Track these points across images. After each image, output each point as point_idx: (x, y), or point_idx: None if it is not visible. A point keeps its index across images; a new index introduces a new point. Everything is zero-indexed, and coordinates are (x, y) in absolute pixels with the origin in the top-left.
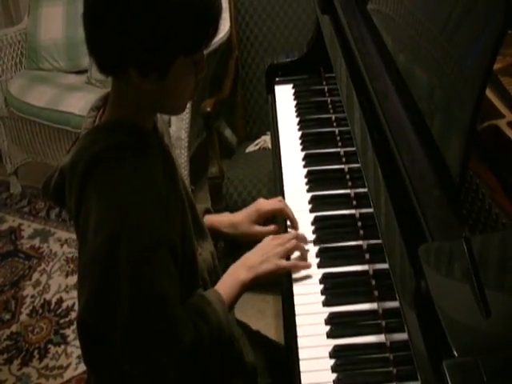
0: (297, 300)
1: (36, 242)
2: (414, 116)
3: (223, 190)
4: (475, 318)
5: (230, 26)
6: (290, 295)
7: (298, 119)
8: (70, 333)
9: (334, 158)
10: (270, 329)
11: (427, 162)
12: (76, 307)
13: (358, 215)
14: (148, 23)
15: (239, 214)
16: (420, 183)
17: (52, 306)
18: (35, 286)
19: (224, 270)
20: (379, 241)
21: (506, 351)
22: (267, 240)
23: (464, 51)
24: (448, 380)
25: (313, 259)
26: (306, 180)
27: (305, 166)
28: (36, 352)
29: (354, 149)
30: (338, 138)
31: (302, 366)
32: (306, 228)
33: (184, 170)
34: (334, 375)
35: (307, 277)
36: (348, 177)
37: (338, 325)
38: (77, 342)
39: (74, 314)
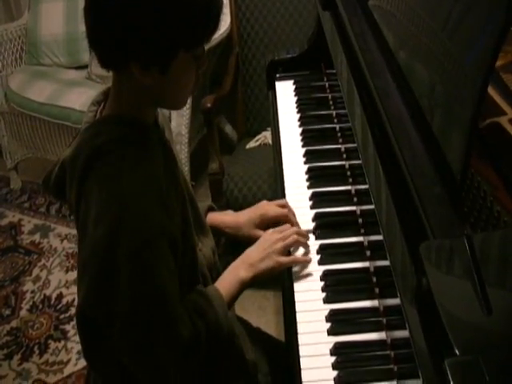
0: (297, 297)
1: (36, 237)
2: (415, 113)
3: (223, 186)
4: (477, 315)
5: (231, 22)
6: (291, 292)
7: (298, 115)
8: (70, 328)
9: (335, 154)
10: (271, 325)
11: (428, 159)
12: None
13: (358, 212)
14: (149, 17)
15: (242, 216)
16: (421, 180)
17: (52, 302)
18: (35, 281)
19: (225, 267)
20: (380, 238)
21: (507, 349)
22: (267, 234)
23: (465, 48)
24: (450, 379)
25: (313, 256)
26: (306, 176)
27: (305, 163)
28: (36, 347)
29: (354, 145)
30: (339, 135)
31: (303, 363)
32: (307, 225)
33: (184, 166)
34: (335, 372)
35: (308, 274)
36: (349, 173)
37: (338, 322)
38: (77, 338)
39: (74, 310)
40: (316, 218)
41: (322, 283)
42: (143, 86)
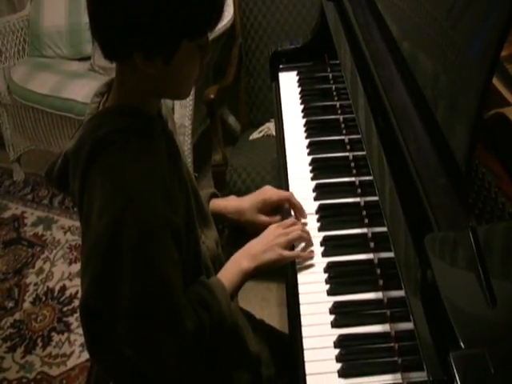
0: (301, 289)
1: (39, 229)
2: (419, 104)
3: (227, 178)
4: (481, 307)
5: (234, 13)
6: (295, 284)
7: (302, 106)
8: (74, 321)
9: (339, 145)
10: (274, 317)
11: (433, 150)
12: (79, 295)
13: (362, 203)
14: (152, 7)
15: (245, 201)
16: (426, 171)
17: (55, 294)
18: (38, 273)
19: (228, 258)
20: (384, 229)
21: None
22: (271, 228)
23: (469, 38)
24: (455, 372)
25: (317, 248)
26: (310, 168)
27: (309, 154)
28: (39, 340)
29: (358, 136)
30: (343, 126)
31: (307, 355)
32: (311, 216)
33: (187, 158)
34: (339, 365)
35: (311, 266)
36: (353, 165)
37: (342, 314)
38: (80, 330)
39: (77, 302)
40: (320, 209)
41: (326, 275)
42: (147, 76)
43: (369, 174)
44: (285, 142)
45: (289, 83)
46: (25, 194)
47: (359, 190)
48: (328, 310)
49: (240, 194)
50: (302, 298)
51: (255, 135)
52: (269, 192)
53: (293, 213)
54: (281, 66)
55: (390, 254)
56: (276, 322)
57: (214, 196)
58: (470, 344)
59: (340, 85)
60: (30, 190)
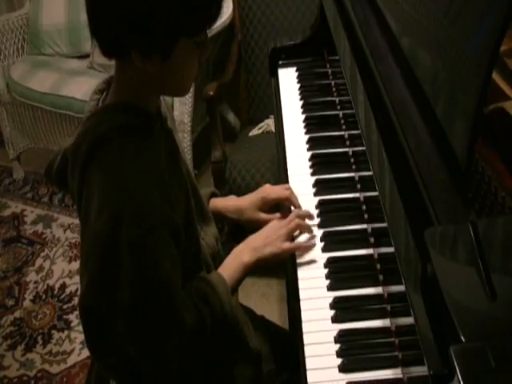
0: (301, 284)
1: (39, 227)
2: (419, 99)
3: (226, 174)
4: (482, 302)
5: (233, 9)
6: (295, 280)
7: (301, 102)
8: (74, 318)
9: (338, 141)
10: (274, 313)
11: (433, 145)
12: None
13: (362, 199)
14: (149, 4)
15: (245, 200)
16: (426, 166)
17: (55, 292)
18: (38, 271)
19: (228, 255)
20: (384, 224)
21: None
22: (273, 223)
23: (468, 34)
24: (455, 365)
25: (317, 243)
26: (309, 163)
27: (309, 150)
28: (40, 338)
29: (358, 132)
30: (342, 121)
31: (307, 350)
32: (310, 212)
33: (187, 154)
34: (339, 360)
35: (312, 261)
36: (352, 160)
37: (342, 309)
38: (80, 328)
39: (77, 300)
40: (319, 204)
41: (326, 270)
42: (145, 73)
43: (368, 170)
44: (284, 138)
45: (288, 79)
46: (24, 193)
47: (359, 186)
48: (328, 306)
49: (239, 190)
50: (302, 294)
51: (255, 132)
52: (268, 190)
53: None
54: (280, 63)
55: (390, 249)
56: (276, 317)
57: (213, 195)
58: (471, 338)
59: (339, 80)
60: (30, 189)
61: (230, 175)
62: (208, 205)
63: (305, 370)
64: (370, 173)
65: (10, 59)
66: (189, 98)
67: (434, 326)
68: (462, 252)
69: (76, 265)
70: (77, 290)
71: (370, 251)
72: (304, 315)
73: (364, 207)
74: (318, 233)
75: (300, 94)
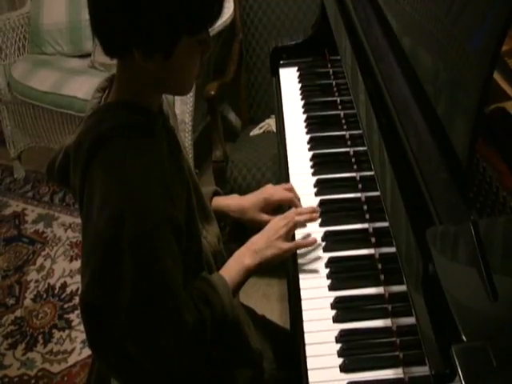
0: (302, 284)
1: (40, 226)
2: (420, 99)
3: (227, 174)
4: (483, 301)
5: (234, 9)
6: (296, 279)
7: (302, 102)
8: (75, 317)
9: (340, 141)
10: (275, 313)
11: (434, 145)
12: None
13: (363, 198)
14: (151, 3)
15: (247, 199)
16: (427, 166)
17: (56, 291)
18: (39, 270)
19: (229, 254)
20: (385, 224)
21: None
22: (272, 223)
23: (469, 34)
24: (457, 365)
25: (318, 243)
26: (311, 163)
27: (310, 149)
28: (40, 337)
29: (359, 132)
30: (344, 121)
31: (308, 350)
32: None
33: (188, 154)
34: (341, 360)
35: (313, 261)
36: (353, 160)
37: (344, 309)
38: (81, 327)
39: (78, 299)
40: (321, 204)
41: (327, 270)
42: (147, 72)
43: (370, 169)
44: (285, 137)
45: (289, 79)
46: (25, 192)
47: (360, 185)
48: (329, 305)
49: (241, 189)
50: (303, 294)
51: (256, 131)
52: (270, 190)
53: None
54: (281, 62)
55: (392, 249)
56: (277, 317)
57: (216, 194)
58: (472, 337)
59: (340, 80)
60: (31, 188)
61: (231, 175)
62: (210, 203)
63: (306, 369)
64: (371, 173)
65: (11, 58)
66: (190, 98)
67: (435, 325)
68: (464, 252)
69: (77, 264)
70: (77, 290)
71: (371, 251)
72: (305, 315)
73: (365, 207)
74: (320, 232)
75: (301, 94)
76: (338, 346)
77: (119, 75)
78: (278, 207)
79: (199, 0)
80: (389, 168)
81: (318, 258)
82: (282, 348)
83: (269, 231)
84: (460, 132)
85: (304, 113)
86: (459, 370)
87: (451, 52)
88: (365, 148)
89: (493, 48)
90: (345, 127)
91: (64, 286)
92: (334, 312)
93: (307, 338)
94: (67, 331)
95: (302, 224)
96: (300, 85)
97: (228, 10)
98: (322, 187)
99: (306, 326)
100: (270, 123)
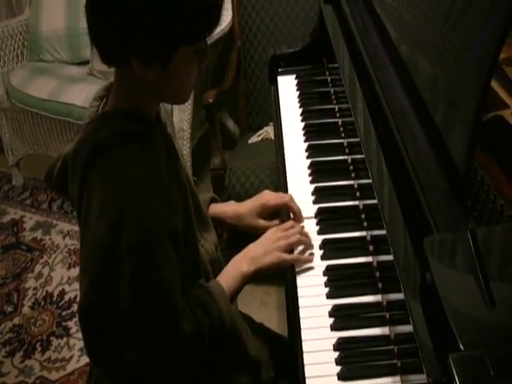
0: (300, 292)
1: (38, 234)
2: (418, 107)
3: (225, 182)
4: (480, 310)
5: (233, 17)
6: (294, 287)
7: (300, 110)
8: (73, 325)
9: (338, 148)
10: (273, 321)
11: (432, 153)
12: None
13: (361, 206)
14: (149, 12)
15: (244, 205)
16: (425, 174)
17: (54, 299)
18: (37, 278)
19: (227, 262)
20: (383, 232)
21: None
22: (271, 231)
23: (468, 41)
24: (454, 373)
25: (316, 251)
26: (309, 171)
27: (308, 157)
28: (38, 344)
29: (357, 139)
30: (342, 129)
31: (306, 358)
32: (310, 219)
33: (186, 161)
34: (338, 368)
35: (311, 268)
36: (351, 168)
37: (341, 317)
38: (79, 335)
39: (76, 307)
40: (319, 212)
41: (325, 278)
42: (145, 80)
43: (368, 177)
44: (284, 145)
45: (287, 87)
46: (24, 199)
47: (358, 193)
48: (327, 313)
49: (239, 197)
50: (301, 301)
51: (254, 139)
52: (267, 196)
53: (292, 216)
54: (279, 70)
55: (389, 257)
56: (275, 325)
57: (213, 200)
58: (470, 346)
59: (339, 88)
60: (29, 195)
61: (230, 182)
62: (207, 210)
63: (304, 377)
64: (369, 180)
65: (10, 65)
66: (188, 105)
67: (432, 333)
68: (461, 260)
69: (75, 271)
70: (76, 297)
71: (369, 259)
72: (303, 323)
73: (363, 215)
74: (318, 240)
75: (299, 102)
76: (336, 354)
77: (117, 83)
78: (275, 212)
79: (197, 10)
80: (386, 176)
81: (316, 266)
82: (280, 356)
83: (267, 240)
84: (458, 140)
85: (302, 121)
86: (456, 379)
87: (449, 60)
88: (363, 156)
89: (491, 56)
90: (343, 135)
91: (62, 293)
92: (331, 320)
93: (305, 346)
94: (65, 339)
95: (303, 243)
96: (298, 92)
97: (226, 17)
98: (319, 195)
99: (304, 334)
100: (269, 131)
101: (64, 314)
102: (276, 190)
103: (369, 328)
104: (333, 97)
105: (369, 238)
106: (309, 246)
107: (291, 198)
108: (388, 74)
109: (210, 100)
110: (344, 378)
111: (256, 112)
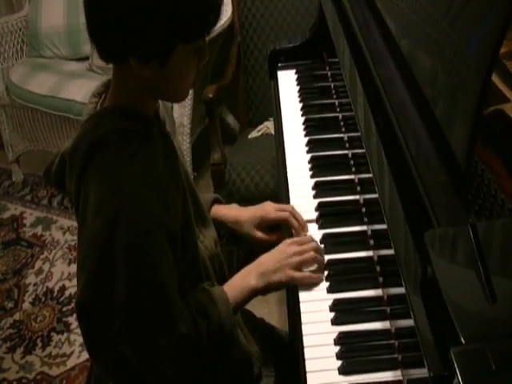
0: (300, 287)
1: (38, 230)
2: (418, 101)
3: (226, 177)
4: (481, 304)
5: (232, 12)
6: None
7: (301, 104)
8: (73, 321)
9: (338, 143)
10: (274, 316)
11: (432, 147)
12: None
13: (362, 201)
14: (147, 10)
15: (244, 213)
16: (425, 169)
17: (55, 294)
18: (38, 274)
19: (226, 257)
20: (384, 226)
21: None
22: (286, 244)
23: (468, 36)
24: (455, 367)
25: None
26: (309, 166)
27: (308, 152)
28: (39, 340)
29: (357, 134)
30: (342, 124)
31: (307, 353)
32: (310, 214)
33: (186, 157)
34: (339, 362)
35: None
36: (352, 162)
37: (342, 311)
38: (80, 330)
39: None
40: (319, 207)
41: (326, 273)
42: (143, 78)
43: (368, 172)
44: (284, 140)
45: (287, 82)
46: (24, 195)
47: (359, 188)
48: (328, 308)
49: (239, 192)
50: (301, 296)
51: (254, 134)
52: (267, 208)
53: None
54: (279, 65)
55: (390, 251)
56: (276, 320)
57: (217, 201)
58: (471, 340)
59: (339, 83)
60: (29, 191)
61: (230, 177)
62: (210, 210)
63: (305, 372)
64: (369, 175)
65: (10, 62)
66: (188, 101)
67: (433, 327)
68: (462, 254)
69: (75, 267)
70: (76, 293)
71: (369, 253)
72: (304, 317)
73: (364, 209)
74: (318, 235)
75: (299, 97)
76: (337, 348)
77: (115, 80)
78: (275, 225)
79: (196, 9)
80: (387, 170)
81: None
82: (280, 351)
83: (280, 254)
84: (458, 134)
85: (302, 115)
86: (457, 373)
87: (449, 54)
88: (363, 150)
89: (491, 50)
90: (343, 129)
91: (63, 289)
92: (332, 314)
93: (306, 341)
94: (66, 334)
95: (317, 262)
96: (298, 87)
97: (226, 12)
98: (320, 189)
99: (305, 329)
100: (269, 126)
101: (64, 309)
102: (276, 185)
103: (369, 322)
104: (333, 91)
105: (369, 232)
106: (321, 264)
107: (292, 213)
108: (388, 69)
109: (210, 95)
110: (345, 372)
111: (256, 107)
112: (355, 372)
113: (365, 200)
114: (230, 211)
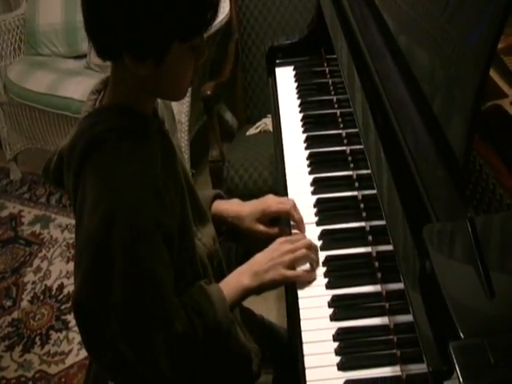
0: (299, 283)
1: (36, 228)
2: (416, 97)
3: (224, 174)
4: (480, 298)
5: (230, 9)
6: None
7: (299, 101)
8: (72, 319)
9: (336, 139)
10: (272, 312)
11: (431, 143)
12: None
13: (360, 197)
14: (143, 8)
15: (245, 207)
16: (424, 164)
17: (53, 292)
18: (36, 272)
19: (225, 254)
20: (382, 222)
21: (511, 332)
22: (279, 243)
23: (465, 32)
24: (454, 362)
25: (315, 241)
26: (307, 162)
27: (306, 148)
28: (37, 338)
29: (355, 130)
30: (340, 120)
31: (306, 349)
32: (308, 210)
33: (184, 154)
34: (338, 358)
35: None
36: (350, 158)
37: (341, 307)
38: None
39: None
40: (317, 203)
41: (324, 269)
42: (140, 76)
43: (366, 168)
44: (282, 136)
45: (285, 78)
46: (22, 193)
47: (357, 184)
48: (327, 304)
49: (237, 189)
50: (300, 292)
51: (252, 131)
52: (268, 202)
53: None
54: (277, 61)
55: (389, 247)
56: (274, 317)
57: (218, 196)
58: (470, 334)
59: (337, 79)
60: (27, 189)
61: (228, 174)
62: (211, 206)
63: (303, 368)
64: (367, 171)
65: (7, 60)
66: (186, 98)
67: (432, 322)
68: (461, 249)
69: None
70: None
71: (368, 249)
72: (302, 313)
73: (362, 205)
74: (316, 231)
75: (297, 93)
76: (336, 344)
77: (113, 78)
78: (276, 218)
79: (191, 7)
80: (385, 166)
81: None
82: (279, 347)
83: (273, 252)
84: (456, 130)
85: (300, 112)
86: (456, 367)
87: (447, 50)
88: (361, 146)
89: (489, 46)
90: (341, 126)
91: (61, 287)
92: (331, 310)
93: (304, 337)
94: (64, 332)
95: (309, 260)
96: (296, 84)
97: (224, 9)
98: (318, 186)
99: (303, 325)
100: (267, 122)
101: (63, 307)
102: (275, 181)
103: (368, 318)
104: (331, 88)
105: (368, 228)
106: (315, 261)
107: (293, 206)
108: (386, 65)
109: (208, 92)
110: (344, 368)
111: (254, 104)
112: (354, 368)
113: (363, 196)
114: (231, 206)
